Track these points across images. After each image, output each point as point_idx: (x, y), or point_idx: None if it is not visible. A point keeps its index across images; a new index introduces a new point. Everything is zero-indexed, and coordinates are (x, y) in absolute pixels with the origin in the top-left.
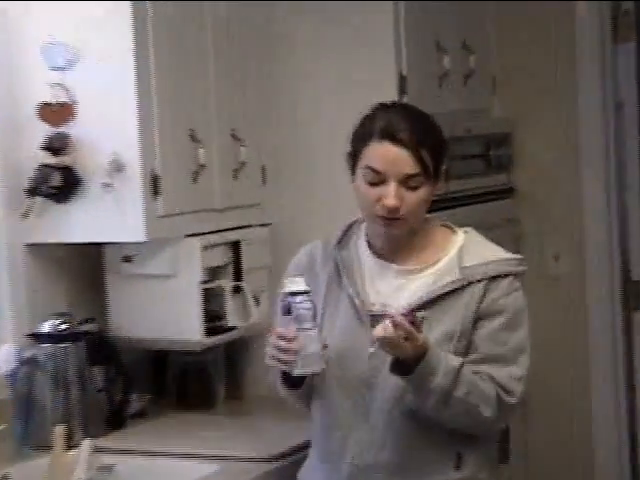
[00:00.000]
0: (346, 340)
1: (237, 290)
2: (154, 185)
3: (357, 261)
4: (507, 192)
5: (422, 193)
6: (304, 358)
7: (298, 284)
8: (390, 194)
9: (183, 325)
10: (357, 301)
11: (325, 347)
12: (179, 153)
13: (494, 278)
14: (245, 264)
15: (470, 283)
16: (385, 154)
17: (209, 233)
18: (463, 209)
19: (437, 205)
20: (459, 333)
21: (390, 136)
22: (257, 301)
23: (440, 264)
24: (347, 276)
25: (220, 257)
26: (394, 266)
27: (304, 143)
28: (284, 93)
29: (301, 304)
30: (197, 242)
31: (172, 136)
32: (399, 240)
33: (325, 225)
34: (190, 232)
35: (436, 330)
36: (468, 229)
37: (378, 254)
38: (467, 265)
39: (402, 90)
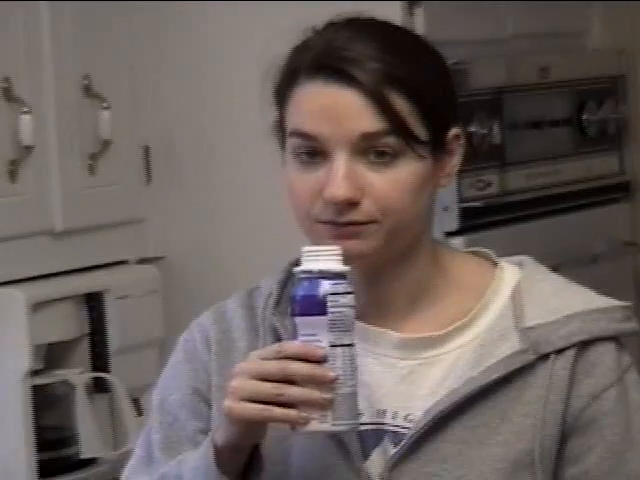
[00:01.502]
0: (314, 477)
1: (99, 388)
2: None
3: None
4: (618, 188)
5: (404, 171)
6: (342, 401)
7: (332, 259)
8: (334, 175)
9: None
10: None
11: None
12: None
13: (584, 346)
14: (114, 338)
15: (543, 358)
16: (319, 102)
17: (41, 278)
18: (534, 224)
19: (474, 218)
20: (538, 459)
21: (326, 67)
22: (138, 407)
23: (480, 323)
24: None
25: (64, 325)
26: (391, 334)
27: (217, 113)
28: (175, 28)
29: (345, 298)
30: (19, 296)
31: None
32: (388, 276)
33: (262, 262)
34: (5, 278)
35: (487, 454)
36: (523, 259)
37: (358, 315)
38: (532, 324)
39: None
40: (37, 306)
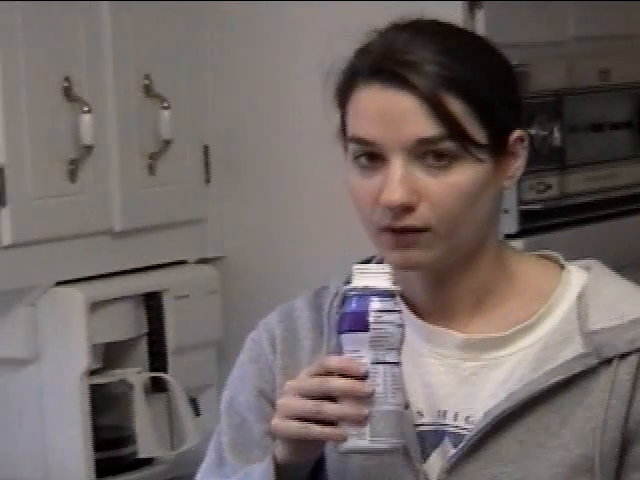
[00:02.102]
0: (375, 476)
1: (157, 388)
2: None
3: None
4: None
5: (462, 175)
6: (380, 418)
7: (380, 277)
8: (390, 180)
9: (52, 457)
10: None
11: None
12: (42, 124)
13: None
14: (172, 338)
15: (606, 362)
16: (376, 106)
17: (100, 278)
18: (593, 227)
19: (534, 221)
20: (598, 463)
21: (383, 72)
22: (196, 408)
23: (544, 326)
24: None
25: (122, 325)
26: (455, 335)
27: (278, 116)
28: (235, 27)
29: (388, 315)
30: (78, 295)
31: (29, 92)
32: (452, 278)
33: (321, 263)
34: (64, 277)
35: (546, 457)
36: (591, 262)
37: (421, 314)
38: (596, 328)
39: (472, 1)
40: (96, 306)
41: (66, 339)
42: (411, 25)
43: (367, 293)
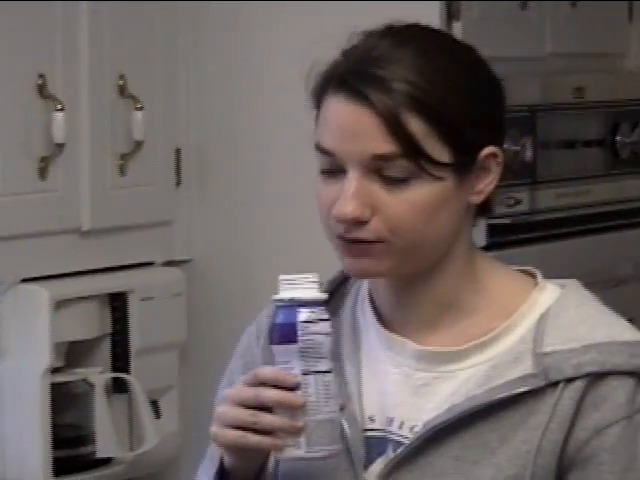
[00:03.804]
0: (317, 476)
1: (118, 388)
2: None
3: (351, 340)
4: None
5: (418, 193)
6: (315, 428)
7: (306, 288)
8: (344, 193)
9: (10, 453)
10: (343, 413)
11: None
12: (14, 121)
13: (598, 378)
14: (135, 339)
15: (552, 385)
16: (338, 118)
17: (66, 276)
18: (562, 244)
19: (502, 235)
20: None
21: (348, 86)
22: (157, 410)
23: (501, 344)
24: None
25: (87, 324)
26: (411, 345)
27: (251, 121)
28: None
29: (315, 325)
30: (44, 293)
31: (3, 88)
32: (414, 288)
33: (289, 269)
34: (30, 274)
35: (478, 474)
36: (568, 282)
37: (385, 322)
38: (548, 350)
39: (450, 14)
40: (61, 304)
41: (29, 336)
42: (395, 34)
43: (293, 304)
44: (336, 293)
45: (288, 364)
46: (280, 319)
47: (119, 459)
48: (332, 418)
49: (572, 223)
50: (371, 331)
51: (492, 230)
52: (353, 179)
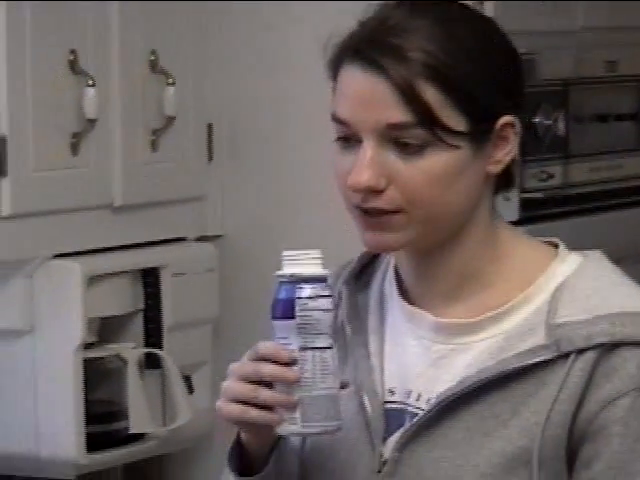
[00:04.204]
0: (339, 449)
1: (151, 364)
2: None
3: (377, 313)
4: None
5: (434, 161)
6: (310, 403)
7: (308, 264)
8: (359, 162)
9: (43, 429)
10: (363, 386)
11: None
12: (46, 97)
13: (611, 349)
14: (168, 314)
15: (564, 356)
16: (354, 88)
17: (98, 252)
18: (594, 218)
19: (535, 209)
20: (537, 458)
21: (364, 56)
22: (190, 385)
23: (517, 315)
24: (353, 338)
25: (119, 300)
26: (428, 317)
27: (282, 96)
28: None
29: (314, 301)
30: (76, 268)
31: (34, 64)
32: (433, 259)
33: (320, 244)
34: (61, 250)
35: (488, 446)
36: (590, 253)
37: (408, 295)
38: (561, 321)
39: None
40: (93, 279)
41: (62, 312)
42: (411, 4)
43: (293, 280)
44: (367, 268)
45: (287, 339)
46: (280, 295)
47: (152, 435)
48: (329, 394)
49: (604, 197)
50: (395, 304)
51: (525, 204)
52: (368, 148)
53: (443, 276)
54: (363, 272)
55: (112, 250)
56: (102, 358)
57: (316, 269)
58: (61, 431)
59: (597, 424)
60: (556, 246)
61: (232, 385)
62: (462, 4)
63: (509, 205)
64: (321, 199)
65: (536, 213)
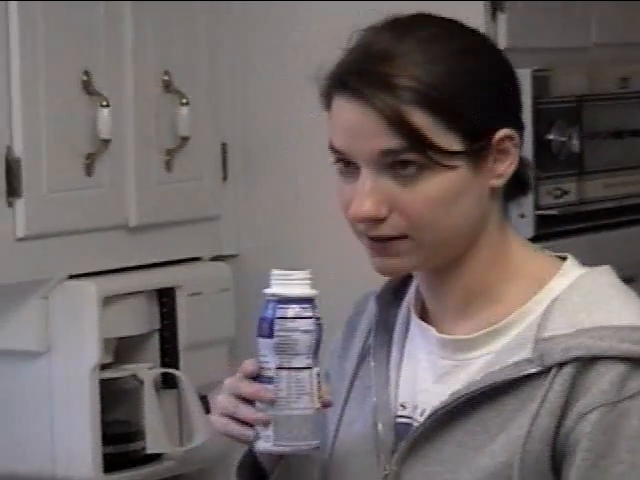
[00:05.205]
0: (351, 461)
1: (167, 384)
2: (8, 178)
3: (402, 325)
4: None
5: (432, 184)
6: (282, 422)
7: (295, 284)
8: (358, 192)
9: (60, 450)
10: (376, 399)
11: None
12: (60, 117)
13: (589, 363)
14: (184, 334)
15: (548, 371)
16: (345, 117)
17: (113, 272)
18: (610, 234)
19: (550, 226)
20: (517, 473)
21: (350, 86)
22: (206, 405)
23: (513, 330)
24: (377, 351)
25: (135, 320)
26: (433, 333)
27: (297, 115)
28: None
29: (292, 322)
30: (91, 289)
31: (48, 85)
32: (443, 277)
33: (336, 264)
34: (76, 270)
35: (475, 461)
36: (598, 268)
37: (424, 312)
38: (547, 335)
39: (494, 6)
40: (109, 300)
41: (78, 333)
42: (396, 26)
43: (275, 300)
44: (402, 285)
45: (265, 357)
46: (261, 313)
47: (169, 455)
48: (302, 414)
49: (620, 213)
50: (414, 320)
51: (540, 221)
52: (367, 178)
53: (452, 293)
54: (400, 286)
55: (127, 270)
56: (118, 379)
57: (301, 290)
58: (78, 452)
59: (572, 439)
60: (565, 260)
61: (220, 399)
62: (447, 19)
63: (524, 222)
64: (336, 218)
65: (551, 230)
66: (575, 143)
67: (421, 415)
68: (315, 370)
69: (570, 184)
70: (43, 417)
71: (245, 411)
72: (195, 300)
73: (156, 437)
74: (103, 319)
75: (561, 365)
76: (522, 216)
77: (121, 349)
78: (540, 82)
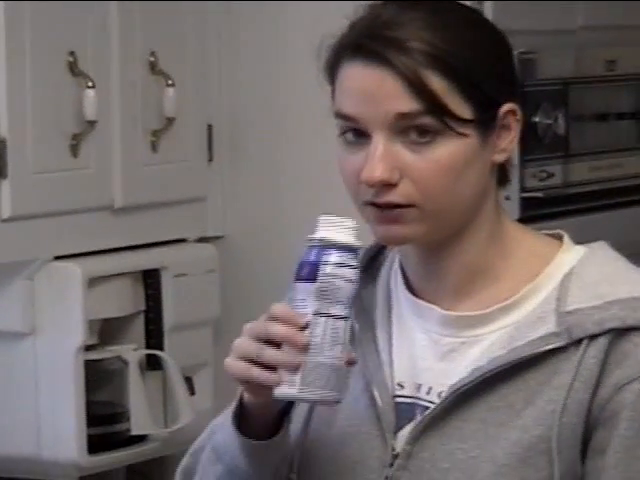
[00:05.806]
0: (350, 443)
1: (152, 365)
2: None
3: (383, 306)
4: None
5: (445, 151)
6: (312, 369)
7: (341, 231)
8: (371, 157)
9: (45, 431)
10: (373, 380)
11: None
12: (45, 98)
13: (622, 334)
14: (169, 315)
15: (576, 343)
16: (358, 83)
17: (98, 253)
18: (595, 217)
19: (535, 208)
20: (556, 446)
21: (365, 51)
22: (191, 386)
23: (526, 306)
24: (362, 333)
25: (120, 301)
26: (437, 310)
27: (282, 96)
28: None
29: (338, 268)
30: (76, 270)
31: (34, 66)
32: (442, 253)
33: None
34: (61, 252)
35: (504, 436)
36: (596, 244)
37: (415, 289)
38: (571, 308)
39: None
40: (93, 281)
41: (63, 314)
42: (397, 1)
43: (322, 245)
44: (372, 264)
45: (304, 302)
46: (305, 257)
47: (154, 436)
48: (334, 364)
49: (605, 196)
50: (401, 299)
51: (525, 204)
52: (379, 142)
53: (452, 271)
54: (368, 267)
55: (113, 252)
56: (103, 360)
57: (348, 238)
58: (62, 433)
59: (608, 410)
60: (560, 238)
61: (241, 342)
62: None
63: (509, 204)
64: (322, 199)
65: (536, 212)
66: (561, 126)
67: (428, 393)
68: (350, 323)
69: (555, 167)
70: (28, 398)
71: (272, 353)
72: (180, 281)
73: (141, 418)
74: (88, 300)
75: (592, 337)
76: (507, 198)
77: (106, 330)
78: (526, 64)
